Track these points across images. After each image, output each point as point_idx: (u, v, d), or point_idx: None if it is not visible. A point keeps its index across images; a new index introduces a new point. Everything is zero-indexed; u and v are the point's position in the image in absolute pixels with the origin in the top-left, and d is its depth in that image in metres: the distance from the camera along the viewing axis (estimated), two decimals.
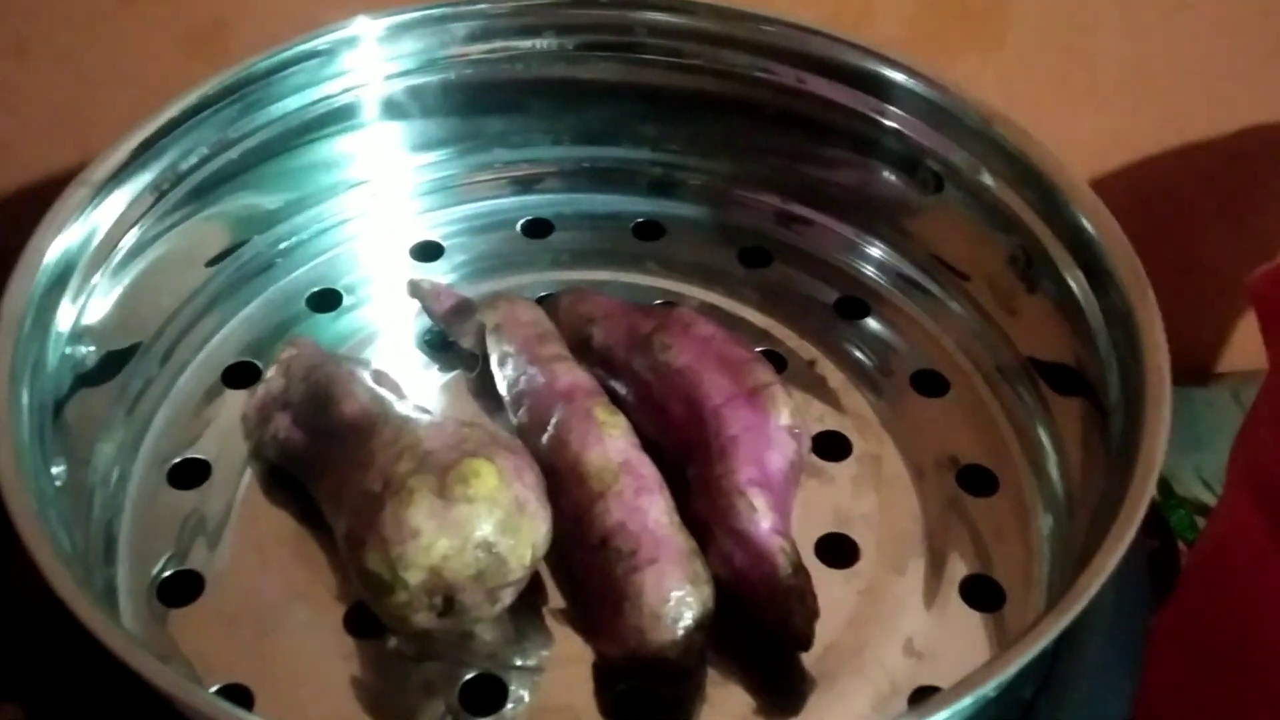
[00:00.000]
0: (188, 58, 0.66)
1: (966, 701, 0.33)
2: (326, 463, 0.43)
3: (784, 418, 0.43)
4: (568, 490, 0.42)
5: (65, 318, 0.43)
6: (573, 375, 0.46)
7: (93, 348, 0.45)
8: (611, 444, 0.43)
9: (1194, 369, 0.88)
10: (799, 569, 0.40)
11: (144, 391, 0.48)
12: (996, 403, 0.50)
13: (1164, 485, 0.78)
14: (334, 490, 0.42)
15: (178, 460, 0.47)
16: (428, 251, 0.56)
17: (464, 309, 0.50)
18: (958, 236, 0.53)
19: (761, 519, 0.41)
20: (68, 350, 0.43)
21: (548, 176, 0.59)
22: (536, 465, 0.41)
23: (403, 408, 0.43)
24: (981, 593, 0.44)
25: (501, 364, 0.48)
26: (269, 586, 0.43)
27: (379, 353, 0.51)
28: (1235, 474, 0.54)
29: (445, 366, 0.51)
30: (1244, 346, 0.86)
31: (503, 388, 0.47)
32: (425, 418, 0.42)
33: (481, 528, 0.38)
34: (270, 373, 0.46)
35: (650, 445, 0.44)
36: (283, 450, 0.45)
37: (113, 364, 0.47)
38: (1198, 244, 0.79)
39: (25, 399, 0.39)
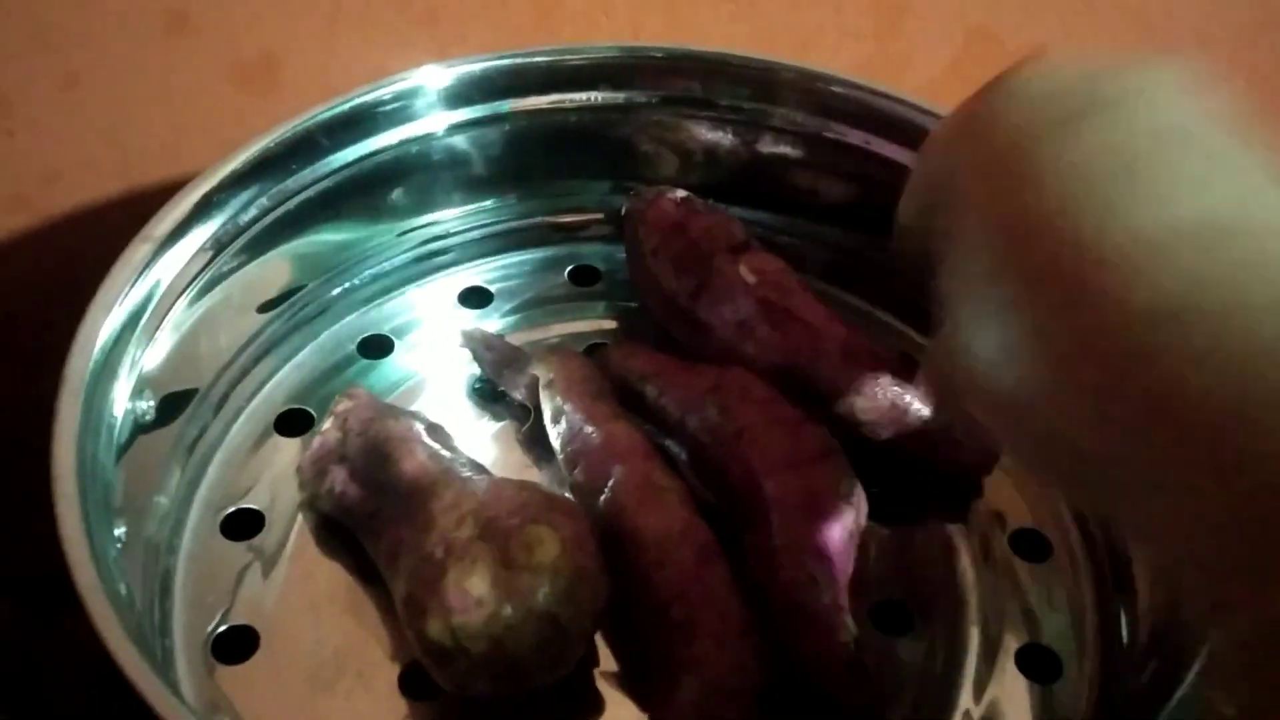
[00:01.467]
0: (237, 91, 0.66)
1: None
2: (384, 520, 0.43)
3: (842, 486, 0.43)
4: (626, 554, 0.42)
5: (127, 374, 0.43)
6: (630, 438, 0.45)
7: (152, 401, 0.45)
8: (671, 511, 0.42)
9: None
10: (860, 645, 0.40)
11: (199, 439, 0.48)
12: None
13: None
14: (392, 550, 0.42)
15: (231, 510, 0.47)
16: (477, 297, 0.56)
17: (516, 360, 0.50)
18: None
19: (822, 594, 0.41)
20: (129, 405, 0.43)
21: (594, 224, 0.59)
22: (595, 531, 0.41)
23: (461, 467, 0.43)
24: (1036, 662, 0.44)
25: (555, 420, 0.48)
26: (324, 644, 0.43)
27: (429, 400, 0.51)
28: None
29: (495, 416, 0.51)
30: None
31: (557, 444, 0.47)
32: (484, 479, 0.42)
33: (544, 597, 0.38)
34: (326, 425, 0.46)
35: (705, 506, 0.44)
36: (338, 504, 0.45)
37: (169, 411, 0.47)
38: None
39: (90, 463, 0.39)
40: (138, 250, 0.44)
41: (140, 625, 0.39)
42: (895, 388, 0.47)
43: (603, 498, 0.44)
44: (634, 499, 0.43)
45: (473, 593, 0.38)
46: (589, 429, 0.46)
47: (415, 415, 0.47)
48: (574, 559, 0.39)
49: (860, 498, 0.44)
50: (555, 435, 0.47)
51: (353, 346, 0.54)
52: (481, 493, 0.40)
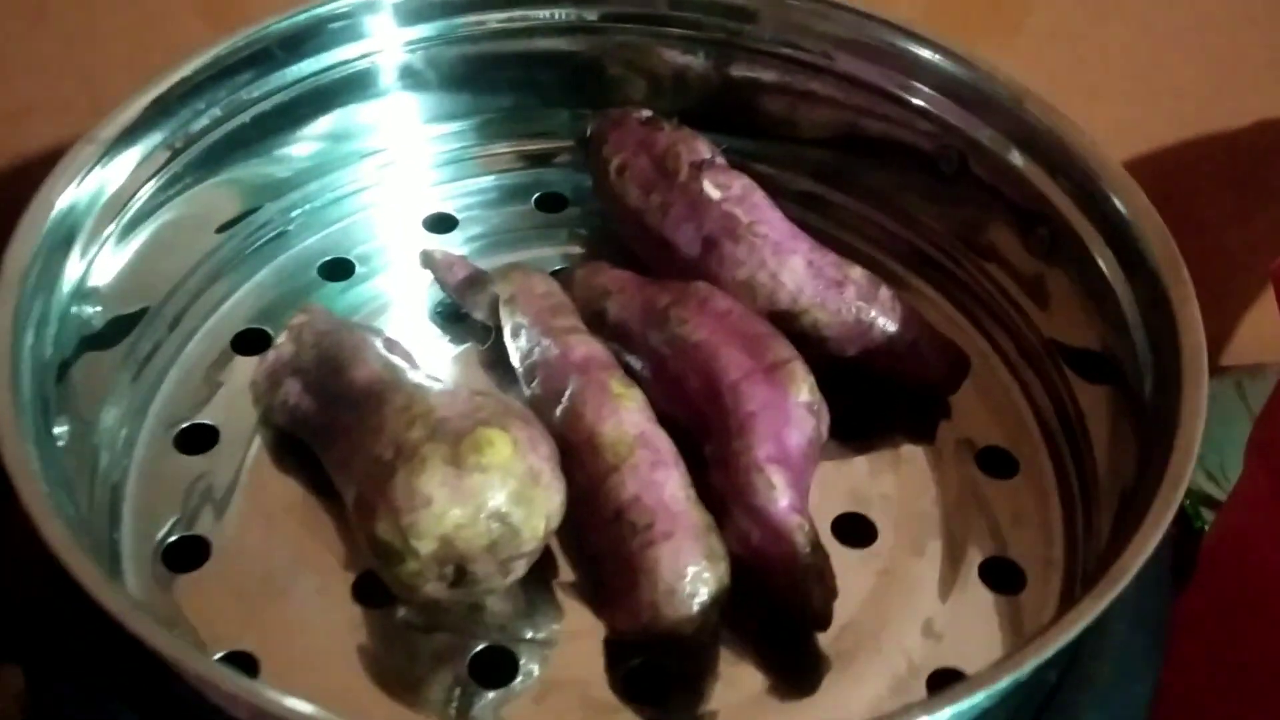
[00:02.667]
0: (204, 21, 0.66)
1: (1002, 684, 0.33)
2: (337, 429, 0.42)
3: (803, 394, 0.42)
4: (582, 463, 0.41)
5: (70, 276, 0.43)
6: (587, 347, 0.45)
7: (99, 309, 0.44)
8: (627, 416, 0.42)
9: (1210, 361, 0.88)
10: (817, 548, 0.40)
11: (152, 356, 0.48)
12: (1017, 386, 0.50)
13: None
14: (344, 457, 0.41)
15: (185, 425, 0.46)
16: (441, 223, 0.56)
17: (477, 280, 0.50)
18: (980, 217, 0.52)
19: (780, 496, 0.40)
20: (73, 310, 0.43)
21: (563, 151, 0.58)
22: (550, 437, 0.40)
23: (415, 375, 0.42)
24: (1000, 575, 0.43)
25: (515, 336, 0.47)
26: (277, 553, 0.42)
27: (391, 323, 0.51)
28: (1253, 462, 0.53)
29: (457, 339, 0.50)
30: (1249, 340, 0.86)
31: (516, 360, 0.47)
32: (438, 385, 0.41)
33: (495, 497, 0.37)
34: (281, 338, 0.45)
35: (666, 421, 0.43)
36: (292, 416, 0.44)
37: (120, 327, 0.46)
38: (1207, 237, 0.79)
39: (27, 355, 0.38)
40: (83, 150, 0.43)
41: (84, 525, 0.39)
42: (860, 303, 0.47)
43: (560, 408, 0.43)
44: (590, 407, 0.42)
45: (421, 491, 0.37)
46: (546, 341, 0.45)
47: (371, 328, 0.46)
48: (526, 461, 0.38)
49: (822, 406, 0.43)
50: (514, 351, 0.47)
51: (314, 269, 0.53)
52: (433, 397, 0.40)
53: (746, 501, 0.40)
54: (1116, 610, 0.41)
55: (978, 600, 0.43)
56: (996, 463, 0.47)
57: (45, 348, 0.40)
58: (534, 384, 0.45)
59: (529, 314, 0.47)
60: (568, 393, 0.43)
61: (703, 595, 0.38)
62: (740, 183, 0.49)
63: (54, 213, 0.42)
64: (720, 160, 0.50)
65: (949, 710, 0.32)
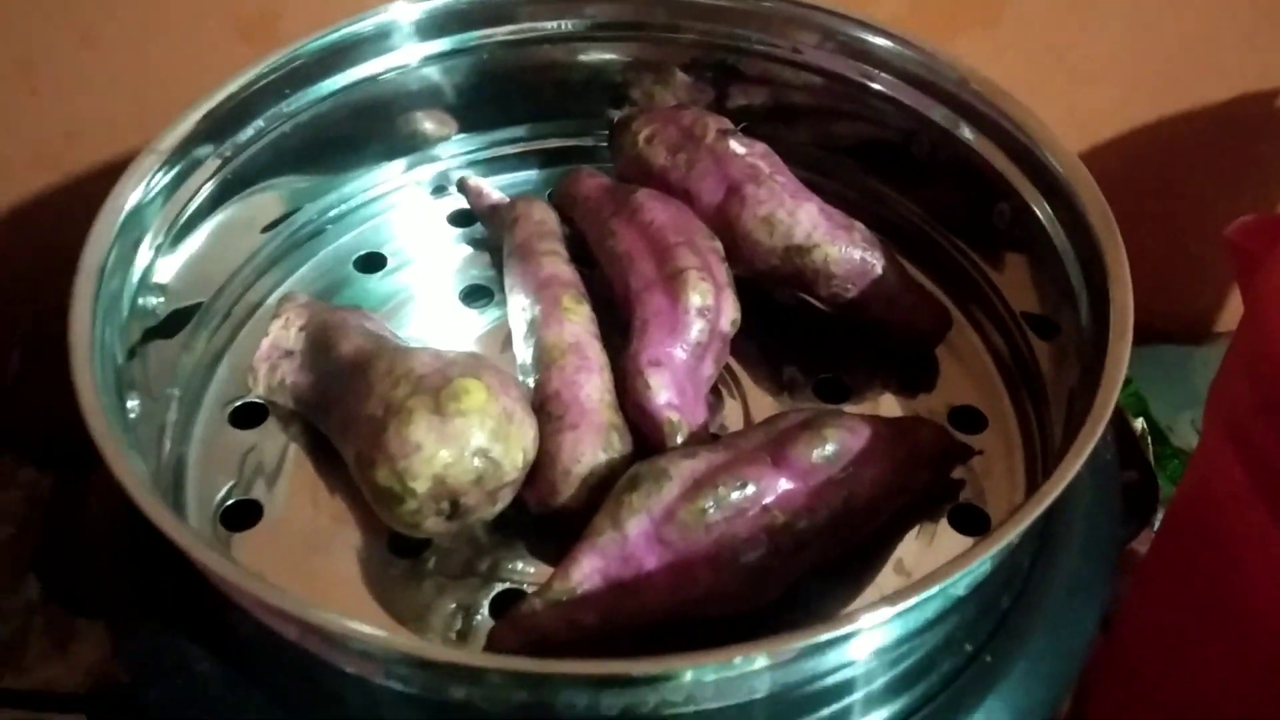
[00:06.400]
0: (243, 44, 0.71)
1: (960, 584, 0.37)
2: (332, 399, 0.47)
3: (693, 300, 0.48)
4: (535, 365, 0.48)
5: (138, 268, 0.48)
6: (554, 268, 0.52)
7: (161, 300, 0.50)
8: (568, 327, 0.48)
9: (1192, 329, 0.91)
10: (695, 439, 0.46)
11: (208, 345, 0.53)
12: (986, 349, 0.54)
13: (1161, 437, 0.81)
14: (342, 422, 0.46)
15: (238, 404, 0.52)
16: (462, 219, 0.61)
17: (498, 207, 0.57)
18: (949, 196, 0.57)
19: (656, 395, 0.46)
20: (140, 301, 0.48)
21: (575, 152, 0.63)
22: (518, 382, 0.46)
23: (393, 343, 0.48)
24: (970, 521, 0.48)
25: (508, 256, 0.54)
26: (321, 515, 0.48)
27: (422, 307, 0.56)
28: (1212, 419, 0.57)
29: (483, 318, 0.56)
30: (1240, 308, 0.89)
31: (505, 282, 0.53)
32: (415, 348, 0.46)
33: (476, 437, 0.43)
34: (273, 326, 0.51)
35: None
36: (292, 394, 0.50)
37: (179, 320, 0.52)
38: (1194, 210, 0.82)
39: (103, 339, 0.44)
40: (146, 159, 0.49)
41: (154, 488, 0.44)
42: (864, 245, 0.52)
43: (526, 319, 0.50)
44: (542, 317, 0.49)
45: (412, 439, 0.42)
46: (526, 262, 0.52)
47: (349, 308, 0.52)
48: (499, 402, 0.44)
49: (724, 308, 0.49)
50: (506, 272, 0.53)
51: (350, 264, 0.58)
52: (412, 358, 0.45)
53: (633, 400, 0.47)
54: (1066, 544, 0.46)
55: (947, 542, 0.47)
56: (968, 420, 0.52)
57: (118, 334, 0.46)
58: (513, 297, 0.52)
59: (521, 237, 0.54)
60: (531, 305, 0.50)
61: (592, 480, 0.44)
62: (761, 146, 0.54)
63: (122, 215, 0.47)
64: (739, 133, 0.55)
65: (914, 599, 0.36)
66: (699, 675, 0.35)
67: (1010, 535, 0.37)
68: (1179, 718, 0.63)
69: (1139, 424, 0.77)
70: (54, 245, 0.76)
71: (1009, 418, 0.52)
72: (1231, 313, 0.89)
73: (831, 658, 0.37)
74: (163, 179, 0.50)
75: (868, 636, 0.37)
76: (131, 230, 0.48)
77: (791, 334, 0.55)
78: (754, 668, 0.35)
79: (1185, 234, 0.80)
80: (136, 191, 0.48)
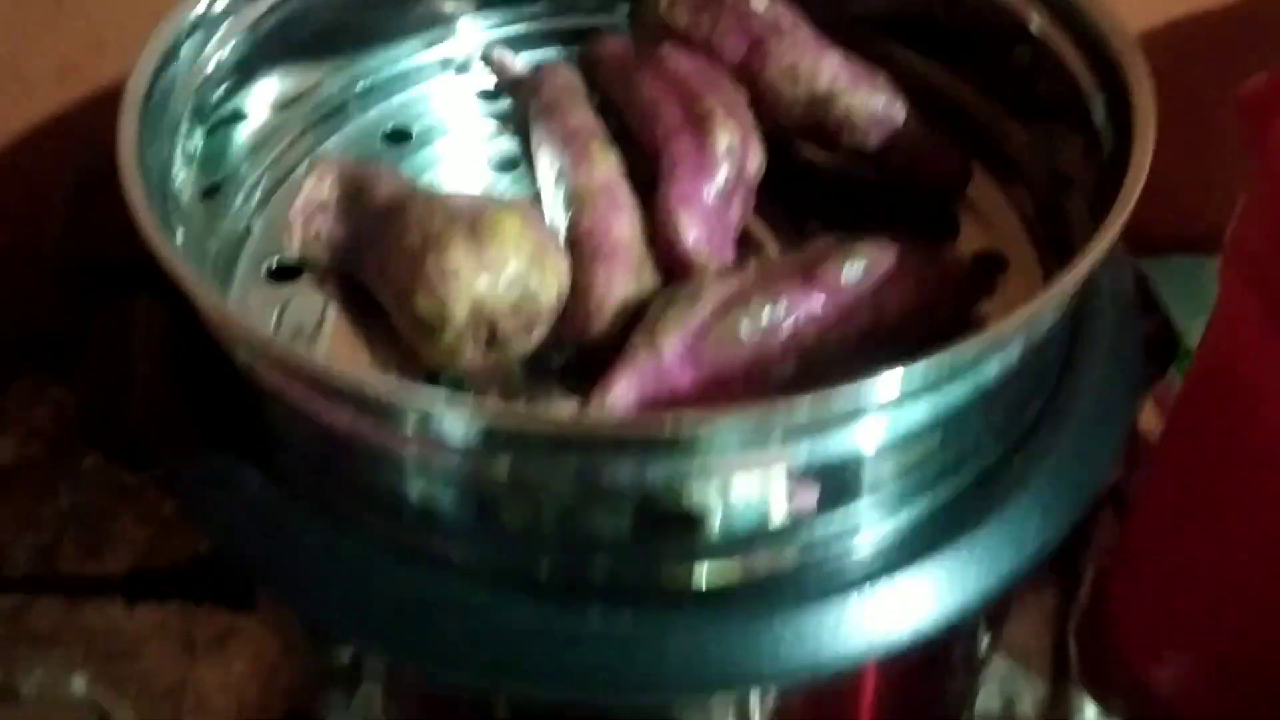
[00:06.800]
0: None
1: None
2: (369, 244, 0.48)
3: (723, 141, 0.49)
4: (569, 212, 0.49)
5: (176, 134, 0.50)
6: (581, 119, 0.53)
7: (194, 168, 0.51)
8: (597, 171, 0.50)
9: (1206, 240, 0.91)
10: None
11: (240, 210, 0.55)
12: (1005, 200, 0.55)
13: (1176, 338, 0.82)
14: (379, 264, 0.47)
15: (273, 263, 0.53)
16: (490, 94, 0.62)
17: (525, 76, 0.59)
18: (965, 49, 0.58)
19: (686, 233, 0.47)
20: (175, 170, 0.49)
21: (591, 32, 0.63)
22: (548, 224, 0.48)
23: (429, 190, 0.49)
24: None
25: (534, 118, 0.55)
26: (362, 359, 0.49)
27: (452, 176, 0.57)
28: (1229, 265, 0.58)
29: (515, 186, 0.57)
30: None
31: (532, 142, 0.55)
32: (450, 193, 0.48)
33: (512, 264, 0.44)
34: (306, 183, 0.51)
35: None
36: (328, 246, 0.51)
37: (211, 189, 0.53)
38: (1208, 120, 0.82)
39: (149, 185, 0.44)
40: (170, 21, 0.50)
41: None
42: (887, 91, 0.52)
43: (557, 169, 0.51)
44: (572, 163, 0.50)
45: (450, 266, 0.43)
46: (552, 118, 0.54)
47: (382, 164, 0.53)
48: (534, 234, 0.45)
49: (751, 150, 0.50)
50: (532, 132, 0.55)
51: (379, 139, 0.60)
52: (448, 198, 0.47)
53: (663, 239, 0.48)
54: (1090, 357, 0.47)
55: None
56: (990, 266, 0.53)
57: (158, 196, 0.46)
58: (540, 152, 0.53)
59: (547, 97, 0.55)
60: (560, 154, 0.51)
61: (625, 313, 0.45)
62: (781, 4, 0.55)
63: (153, 69, 0.49)
64: None
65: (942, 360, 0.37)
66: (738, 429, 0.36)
67: (1044, 303, 0.38)
68: (1201, 593, 0.64)
69: None
70: (79, 158, 0.77)
71: (1031, 262, 0.53)
72: None
73: (860, 432, 0.38)
74: (189, 49, 0.51)
75: (904, 411, 0.38)
76: (166, 93, 0.49)
77: (811, 191, 0.56)
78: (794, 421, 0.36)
79: (1198, 144, 0.81)
80: (168, 49, 0.50)
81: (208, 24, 0.52)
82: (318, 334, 0.50)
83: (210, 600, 0.54)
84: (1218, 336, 0.61)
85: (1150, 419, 0.76)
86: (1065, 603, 0.74)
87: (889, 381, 0.36)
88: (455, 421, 0.37)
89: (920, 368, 0.36)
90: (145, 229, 0.40)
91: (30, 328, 0.85)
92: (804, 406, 0.35)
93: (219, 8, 0.52)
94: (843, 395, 0.35)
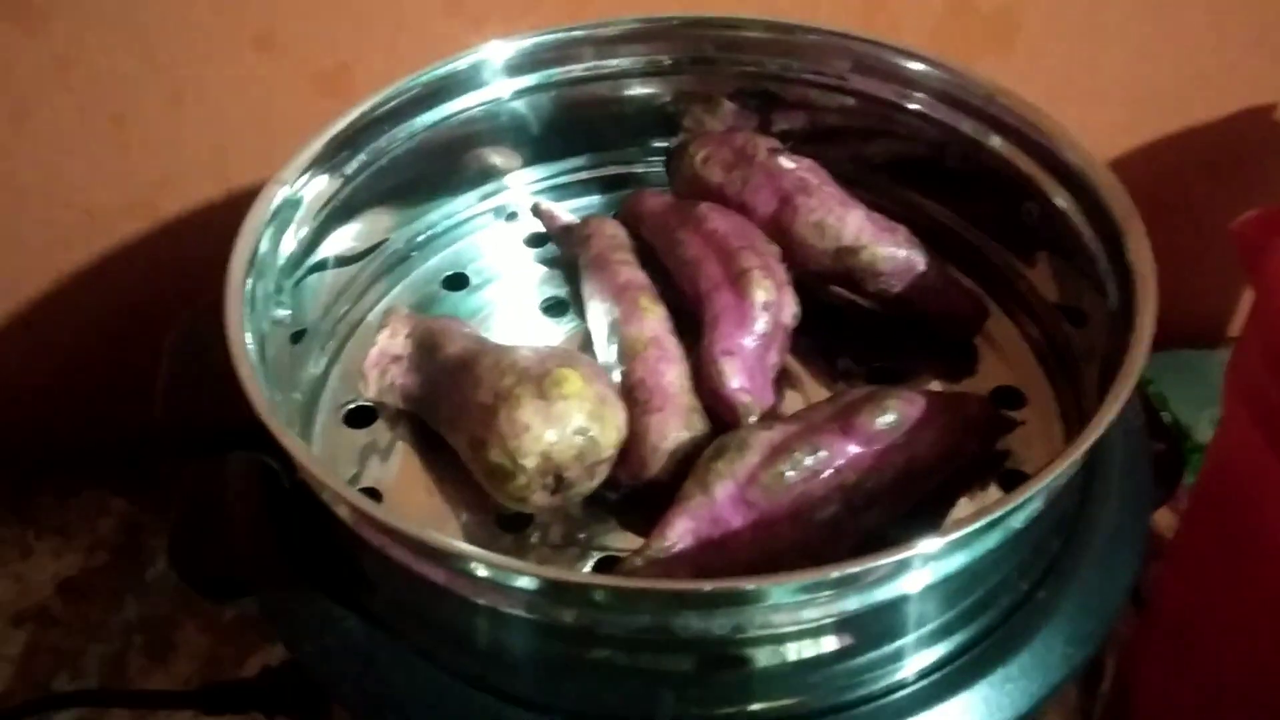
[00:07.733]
0: (318, 97, 0.77)
1: (1018, 515, 0.43)
2: (440, 395, 0.53)
3: (759, 296, 0.54)
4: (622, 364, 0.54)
5: (267, 287, 0.54)
6: (630, 274, 0.58)
7: (284, 315, 0.56)
8: (647, 323, 0.55)
9: (1208, 334, 0.96)
10: (767, 419, 0.51)
11: (319, 357, 0.59)
12: (1021, 336, 0.60)
13: (1183, 434, 0.86)
14: (452, 415, 0.52)
15: (351, 407, 0.57)
16: (537, 240, 0.67)
17: (570, 227, 0.64)
18: (977, 199, 0.63)
19: (729, 380, 0.52)
20: (274, 314, 0.54)
21: (632, 179, 0.69)
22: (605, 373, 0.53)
23: (494, 343, 0.54)
24: (1014, 481, 0.53)
25: (584, 269, 0.60)
26: (434, 499, 0.53)
27: (505, 320, 0.62)
28: (1231, 395, 0.62)
29: (563, 329, 0.62)
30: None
31: (583, 290, 0.59)
32: (514, 347, 0.52)
33: (576, 418, 0.49)
34: (380, 336, 0.56)
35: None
36: (402, 394, 0.55)
37: (295, 337, 0.58)
38: (1204, 222, 0.87)
39: (248, 338, 0.49)
40: (271, 187, 0.55)
41: None
42: (907, 244, 0.57)
43: (608, 320, 0.56)
44: (623, 317, 0.55)
45: (521, 421, 0.48)
46: (603, 272, 0.58)
47: (448, 317, 0.58)
48: (594, 388, 0.50)
49: (782, 302, 0.55)
50: (583, 283, 0.60)
51: (438, 284, 0.65)
52: (515, 354, 0.51)
53: (709, 387, 0.52)
54: (1105, 492, 0.51)
55: (994, 500, 0.52)
56: (1008, 399, 0.57)
57: (256, 342, 0.51)
58: (592, 304, 0.58)
59: (596, 250, 0.60)
60: (611, 307, 0.56)
61: (678, 455, 0.50)
62: (808, 161, 0.61)
63: (261, 227, 0.54)
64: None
65: (981, 522, 0.41)
66: (781, 596, 0.41)
67: (1063, 466, 0.43)
68: (1217, 684, 0.67)
69: (1165, 416, 0.83)
70: (148, 288, 0.82)
71: (1047, 395, 0.57)
72: (1244, 317, 0.94)
73: (903, 582, 0.43)
74: (283, 211, 0.56)
75: (937, 563, 0.43)
76: (262, 250, 0.54)
77: (842, 330, 0.60)
78: (834, 578, 0.41)
79: (1195, 246, 0.85)
80: (265, 215, 0.54)
81: (289, 205, 0.57)
82: (391, 470, 0.55)
83: (284, 713, 0.58)
84: (1221, 452, 0.65)
85: (1164, 515, 0.80)
86: (1089, 696, 0.77)
87: (918, 550, 0.41)
88: (529, 582, 0.42)
89: (948, 537, 0.41)
90: (260, 410, 0.44)
91: (89, 440, 0.90)
92: (854, 568, 0.40)
93: (301, 188, 0.57)
94: (883, 562, 0.40)
